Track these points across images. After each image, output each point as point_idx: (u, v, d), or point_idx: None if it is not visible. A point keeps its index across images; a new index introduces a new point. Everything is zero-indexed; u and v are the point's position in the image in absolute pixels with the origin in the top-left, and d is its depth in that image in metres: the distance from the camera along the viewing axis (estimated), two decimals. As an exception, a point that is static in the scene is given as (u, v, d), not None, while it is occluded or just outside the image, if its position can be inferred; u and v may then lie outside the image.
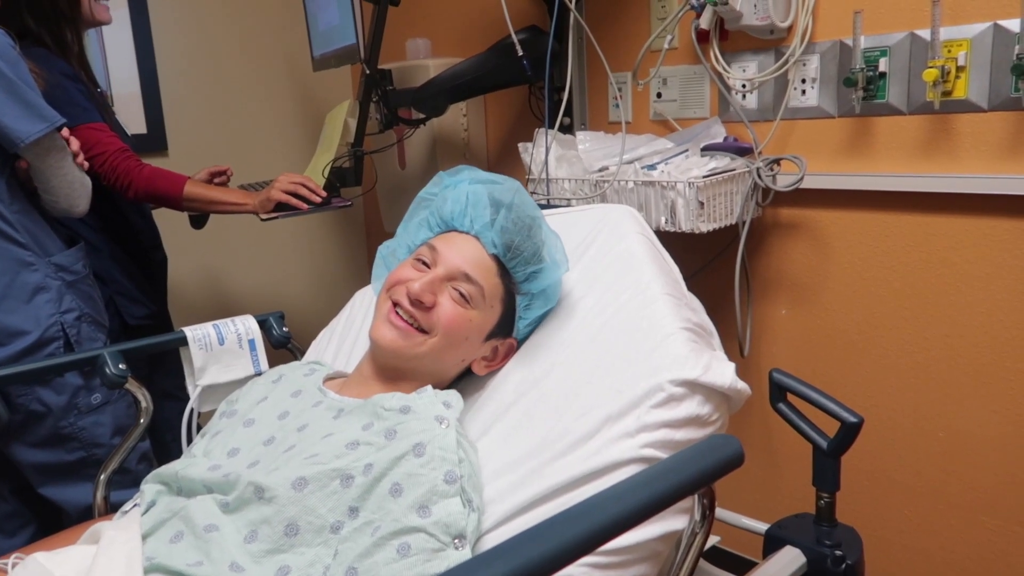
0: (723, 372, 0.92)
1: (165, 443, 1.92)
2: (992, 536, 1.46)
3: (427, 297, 0.99)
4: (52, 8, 1.61)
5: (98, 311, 1.53)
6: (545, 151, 1.64)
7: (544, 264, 1.06)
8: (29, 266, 1.40)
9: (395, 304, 1.00)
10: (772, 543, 1.17)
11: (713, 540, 1.44)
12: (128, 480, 1.47)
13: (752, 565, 1.09)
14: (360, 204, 2.74)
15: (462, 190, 1.07)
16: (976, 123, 1.35)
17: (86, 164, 1.48)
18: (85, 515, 1.47)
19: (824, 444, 1.12)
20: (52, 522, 1.53)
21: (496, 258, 1.05)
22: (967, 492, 1.48)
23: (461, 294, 1.01)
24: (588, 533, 0.61)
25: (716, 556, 1.68)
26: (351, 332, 1.30)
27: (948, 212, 1.42)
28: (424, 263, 1.03)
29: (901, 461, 1.56)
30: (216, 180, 1.90)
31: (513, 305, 1.06)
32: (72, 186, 1.43)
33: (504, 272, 1.05)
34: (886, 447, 1.57)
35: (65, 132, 1.42)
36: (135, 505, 1.00)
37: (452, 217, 1.07)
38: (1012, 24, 1.27)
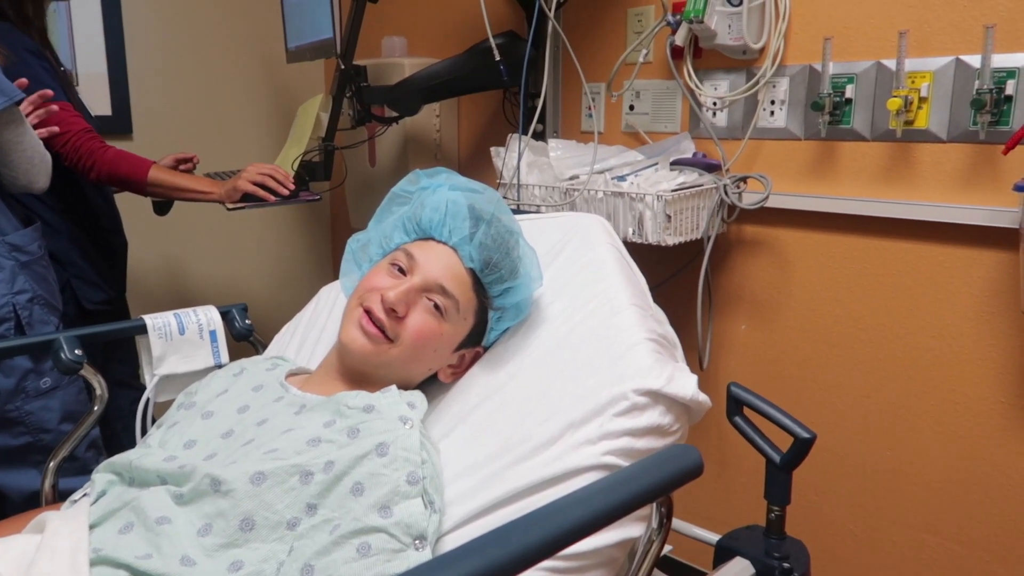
0: (685, 384, 0.94)
1: (115, 432, 1.88)
2: (934, 554, 1.51)
3: (401, 307, 0.98)
4: None
5: (52, 294, 1.49)
6: (518, 157, 1.65)
7: (519, 280, 1.06)
8: None
9: (367, 311, 1.00)
10: (722, 554, 1.19)
11: (665, 549, 1.46)
12: (75, 467, 1.44)
13: (702, 575, 1.11)
14: (327, 199, 2.72)
15: (441, 196, 1.06)
16: (935, 153, 1.40)
17: (48, 131, 1.45)
18: (30, 502, 1.43)
19: (777, 458, 1.14)
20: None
21: (472, 272, 1.04)
22: (912, 510, 1.52)
23: (436, 306, 1.00)
24: (552, 536, 0.62)
25: (667, 565, 1.71)
26: (315, 328, 1.28)
27: (905, 238, 1.46)
28: (400, 269, 1.03)
29: (850, 477, 1.60)
30: (181, 167, 1.87)
31: (485, 317, 1.06)
32: (32, 161, 1.40)
33: (479, 286, 1.05)
34: (836, 463, 1.61)
35: (25, 107, 1.39)
36: (84, 495, 0.98)
37: (430, 225, 1.06)
38: (973, 60, 1.32)
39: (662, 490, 0.73)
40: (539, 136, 1.89)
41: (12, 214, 1.45)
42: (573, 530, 0.64)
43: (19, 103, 1.35)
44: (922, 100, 1.38)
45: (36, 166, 1.41)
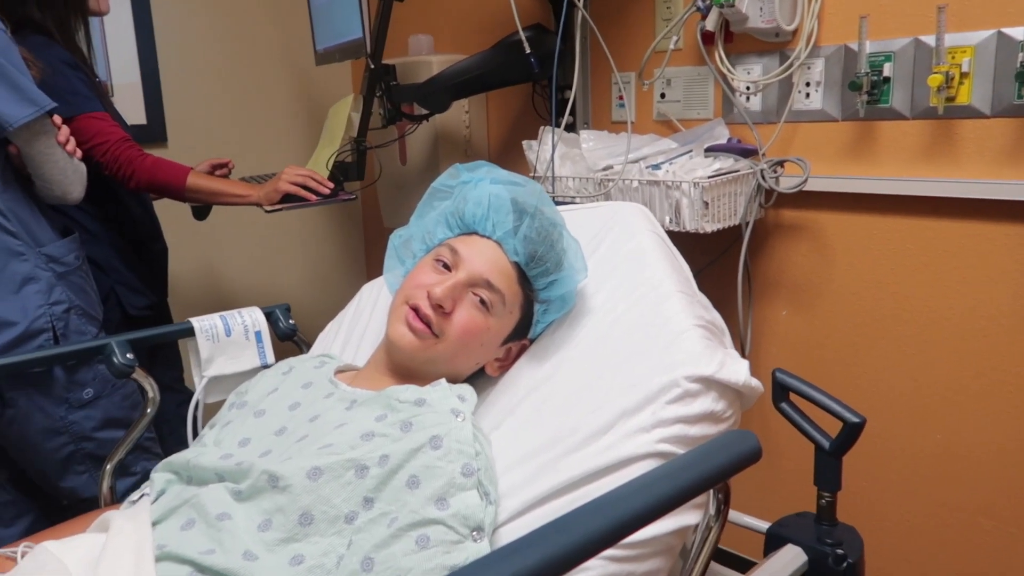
0: (737, 369, 0.93)
1: (162, 436, 1.91)
2: (988, 537, 1.48)
3: (448, 303, 0.99)
4: None
5: (90, 304, 1.50)
6: (551, 149, 1.65)
7: (564, 272, 1.06)
8: (19, 256, 1.37)
9: (414, 308, 1.00)
10: (773, 541, 1.18)
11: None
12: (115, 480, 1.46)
13: (751, 565, 1.10)
14: (359, 199, 2.74)
15: (483, 190, 1.07)
16: (979, 129, 1.37)
17: (78, 152, 1.46)
18: (82, 505, 1.46)
19: (826, 444, 1.13)
20: (51, 511, 1.52)
21: (516, 265, 1.04)
22: (965, 493, 1.50)
23: (482, 301, 1.01)
24: (614, 524, 0.62)
25: (716, 555, 1.69)
26: (358, 326, 1.29)
27: (950, 216, 1.44)
28: (445, 265, 1.03)
29: (900, 462, 1.57)
30: (217, 172, 1.90)
31: (531, 311, 1.07)
32: (64, 172, 1.41)
33: (524, 279, 1.05)
34: (885, 448, 1.58)
35: (57, 119, 1.40)
36: (143, 495, 1.00)
37: (474, 220, 1.06)
38: (1016, 32, 1.29)
39: (721, 476, 0.73)
40: (570, 128, 1.89)
41: (50, 224, 1.46)
42: (635, 518, 0.64)
43: (51, 113, 1.36)
44: (963, 75, 1.35)
45: (69, 177, 1.42)
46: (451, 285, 0.99)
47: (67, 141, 1.41)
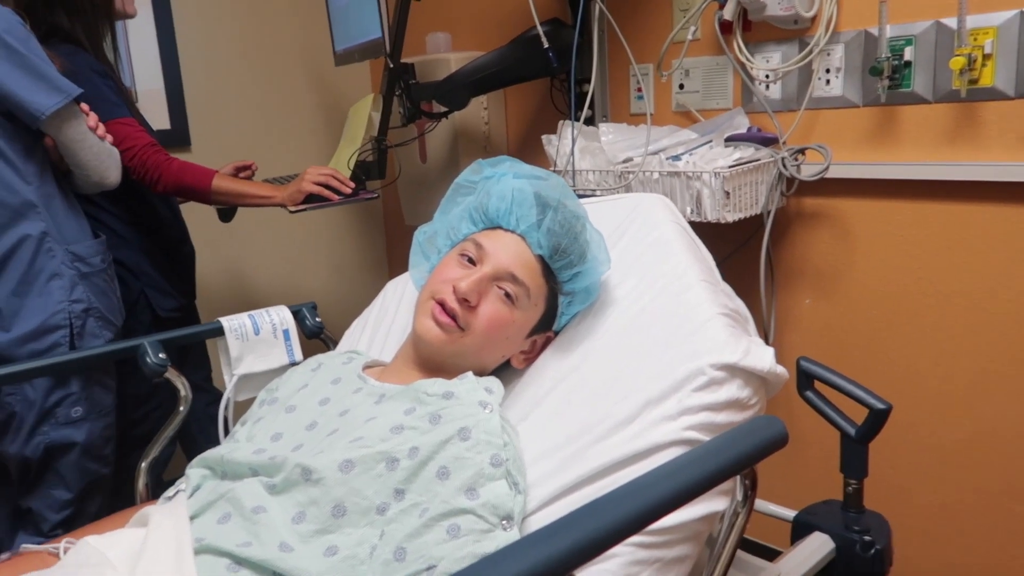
0: (762, 356, 0.94)
1: (192, 434, 1.94)
2: (1019, 523, 1.47)
3: (473, 297, 1.00)
4: (88, 2, 1.63)
5: (110, 309, 1.50)
6: (571, 143, 1.65)
7: (588, 264, 1.07)
8: (48, 251, 1.39)
9: (440, 302, 1.01)
10: (800, 529, 1.18)
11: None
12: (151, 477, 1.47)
13: (777, 553, 1.10)
14: (380, 197, 2.76)
15: (506, 185, 1.08)
16: (1003, 111, 1.36)
17: (109, 137, 1.47)
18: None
19: (852, 431, 1.13)
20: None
21: (540, 258, 1.05)
22: (994, 478, 1.49)
23: (507, 294, 1.02)
24: (643, 509, 0.63)
25: (742, 544, 1.69)
26: (384, 322, 1.31)
27: (974, 200, 1.42)
28: (470, 260, 1.05)
29: (927, 448, 1.56)
30: (241, 175, 1.93)
31: (555, 303, 1.08)
32: (99, 157, 1.42)
33: (548, 271, 1.06)
34: (911, 435, 1.58)
35: (84, 106, 1.42)
36: (178, 491, 1.02)
37: (498, 214, 1.07)
38: (1039, 12, 1.28)
39: (748, 461, 0.74)
40: (589, 121, 1.89)
41: (81, 225, 1.47)
42: (664, 503, 0.65)
43: (78, 100, 1.37)
44: (986, 57, 1.34)
45: (104, 161, 1.43)
46: (476, 279, 1.01)
47: (97, 126, 1.43)
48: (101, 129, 1.44)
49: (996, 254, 1.42)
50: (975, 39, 1.35)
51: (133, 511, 1.01)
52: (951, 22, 1.37)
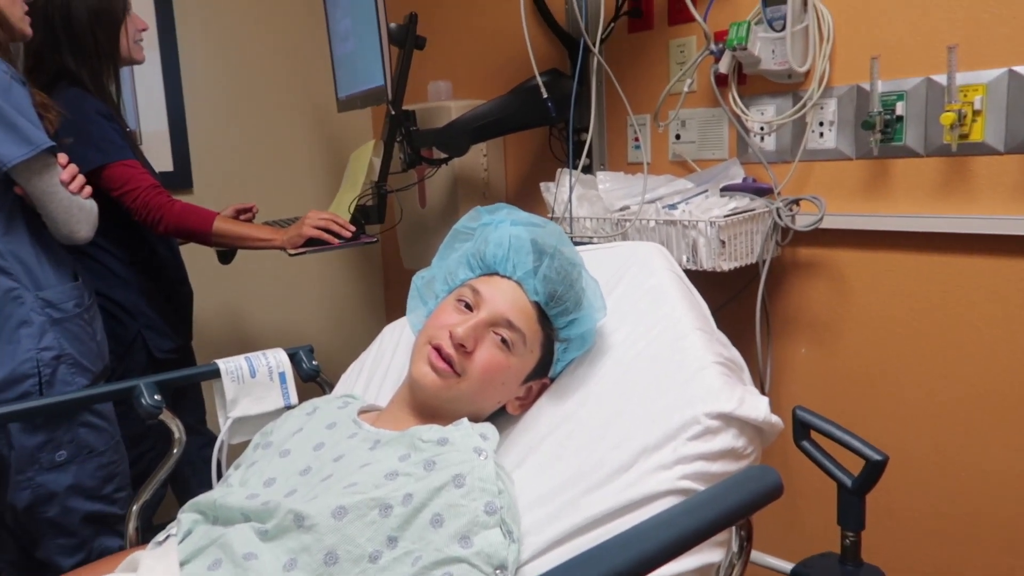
0: (757, 405, 0.94)
1: (185, 478, 1.93)
2: (1018, 577, 1.45)
3: (469, 342, 1.01)
4: (95, 47, 1.66)
5: (85, 354, 1.46)
6: (569, 190, 1.68)
7: (584, 311, 1.08)
8: (16, 299, 1.38)
9: (436, 348, 1.02)
10: (798, 582, 1.17)
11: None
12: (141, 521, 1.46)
13: (776, 605, 1.09)
14: (379, 241, 2.78)
15: (504, 232, 1.09)
16: (993, 165, 1.38)
17: (87, 191, 1.45)
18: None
19: (849, 482, 1.12)
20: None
21: (537, 305, 1.06)
22: (990, 531, 1.47)
23: (503, 340, 1.03)
24: (637, 559, 0.62)
25: (738, 596, 1.67)
26: (380, 366, 1.31)
27: (966, 252, 1.44)
28: (467, 305, 1.05)
29: (924, 500, 1.55)
30: (242, 217, 1.94)
31: (551, 349, 1.08)
32: (69, 211, 1.40)
33: (544, 318, 1.07)
34: (908, 486, 1.57)
35: (62, 158, 1.40)
36: (168, 535, 1.01)
37: (495, 261, 1.09)
38: (1027, 70, 1.31)
39: (744, 512, 0.73)
40: (586, 169, 1.92)
41: (58, 268, 1.44)
42: (658, 554, 0.65)
43: (52, 151, 1.36)
44: (976, 113, 1.37)
45: (75, 215, 1.40)
46: (473, 325, 1.01)
47: (71, 180, 1.41)
48: (77, 183, 1.42)
49: (989, 305, 1.43)
50: (965, 95, 1.38)
51: (123, 556, 1.00)
52: (941, 79, 1.40)
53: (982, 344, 1.44)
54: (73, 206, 1.41)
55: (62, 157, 1.41)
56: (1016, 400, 1.42)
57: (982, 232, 1.39)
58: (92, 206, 1.46)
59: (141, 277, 1.79)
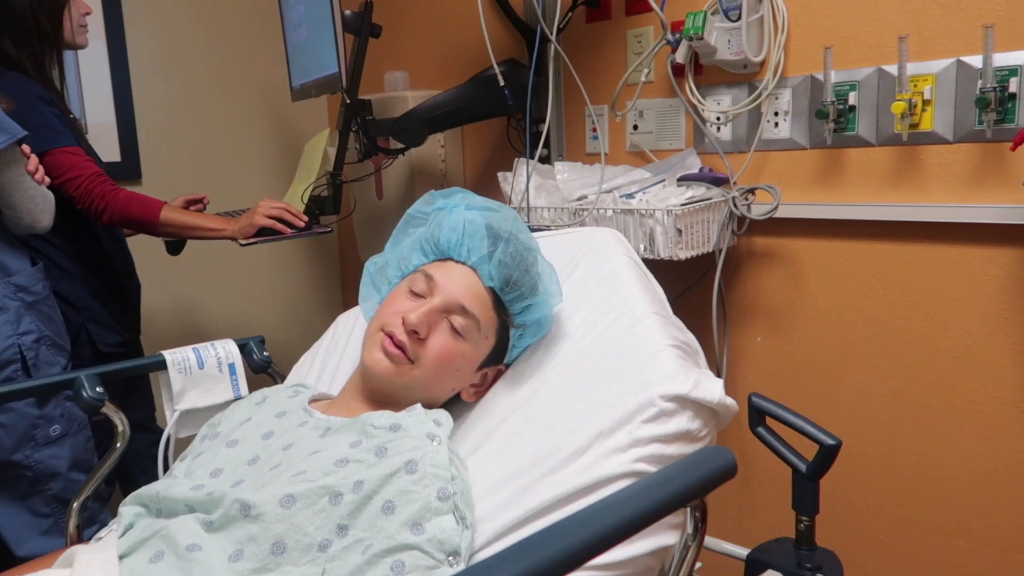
0: (712, 388, 0.94)
1: (133, 477, 1.87)
2: (964, 559, 1.48)
3: (423, 329, 0.99)
4: (36, 31, 1.60)
5: (59, 334, 1.49)
6: (526, 180, 1.66)
7: (539, 297, 1.06)
8: None
9: (389, 335, 1.00)
10: (753, 567, 1.17)
11: (696, 567, 1.45)
12: (83, 518, 1.42)
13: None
14: (335, 232, 2.74)
15: (458, 216, 1.07)
16: (943, 154, 1.40)
17: (47, 180, 1.45)
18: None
19: (803, 467, 1.13)
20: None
21: (492, 290, 1.04)
22: (941, 515, 1.50)
23: (457, 326, 1.01)
24: (591, 539, 0.61)
25: (696, 584, 1.68)
26: (333, 356, 1.29)
27: (917, 240, 1.46)
28: (420, 292, 1.03)
29: (876, 485, 1.58)
30: (193, 208, 1.90)
31: (507, 336, 1.07)
32: (35, 200, 1.41)
33: (499, 304, 1.05)
34: (861, 471, 1.59)
35: (26, 148, 1.40)
36: (111, 530, 0.97)
37: (448, 246, 1.06)
38: (974, 60, 1.33)
39: (698, 491, 0.73)
40: (544, 160, 1.91)
41: (19, 254, 1.45)
42: (612, 533, 0.64)
43: (22, 141, 1.35)
44: (926, 103, 1.39)
45: (39, 205, 1.41)
46: (426, 311, 0.99)
47: (36, 170, 1.41)
48: (40, 173, 1.43)
49: (939, 292, 1.45)
50: (915, 85, 1.40)
51: (61, 552, 0.96)
52: (892, 69, 1.42)
53: (933, 331, 1.47)
54: (38, 196, 1.42)
55: (25, 147, 1.40)
56: (965, 386, 1.45)
57: (934, 220, 1.42)
58: (52, 196, 1.46)
59: (85, 269, 1.73)
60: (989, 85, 1.29)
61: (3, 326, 1.37)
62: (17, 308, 1.39)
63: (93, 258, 1.76)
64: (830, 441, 1.08)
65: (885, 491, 1.57)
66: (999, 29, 1.30)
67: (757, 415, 1.17)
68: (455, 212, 1.09)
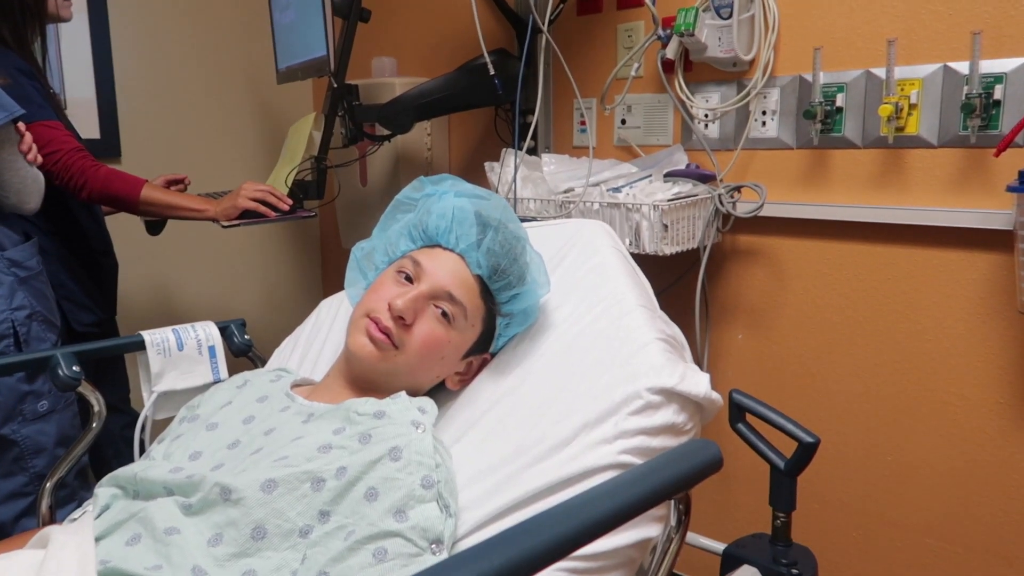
0: (699, 381, 0.94)
1: (106, 458, 1.84)
2: (937, 559, 1.50)
3: (409, 315, 0.98)
4: (19, 2, 1.57)
5: (50, 310, 1.48)
6: (514, 171, 1.66)
7: (527, 286, 1.06)
8: None
9: (374, 320, 0.99)
10: (730, 562, 1.18)
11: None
12: (64, 496, 1.41)
13: (707, 587, 1.10)
14: (318, 217, 2.72)
15: (447, 203, 1.06)
16: (927, 158, 1.42)
17: (39, 159, 1.44)
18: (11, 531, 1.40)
19: (781, 464, 1.14)
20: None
21: (479, 278, 1.04)
22: (914, 514, 1.52)
23: (443, 313, 1.00)
24: (576, 530, 0.61)
25: (671, 577, 1.69)
26: (316, 341, 1.27)
27: (900, 243, 1.48)
28: (407, 277, 1.02)
29: (851, 484, 1.60)
30: (173, 188, 1.86)
31: (493, 324, 1.06)
32: (24, 182, 1.39)
33: (486, 292, 1.04)
34: (838, 469, 1.61)
35: (21, 127, 1.38)
36: (85, 512, 0.96)
37: (437, 232, 1.05)
38: (961, 66, 1.35)
39: (683, 484, 0.73)
40: (532, 151, 1.90)
41: (11, 230, 1.44)
42: (597, 524, 0.63)
43: (18, 120, 1.34)
44: (912, 107, 1.41)
45: (28, 187, 1.40)
46: (412, 297, 0.98)
47: (29, 149, 1.40)
48: (33, 153, 1.42)
49: (919, 295, 1.47)
50: (902, 89, 1.41)
51: (34, 532, 0.94)
52: (880, 72, 1.43)
53: (912, 332, 1.49)
54: (28, 177, 1.40)
55: (20, 125, 1.38)
56: (941, 387, 1.47)
57: (916, 223, 1.43)
58: (42, 178, 1.44)
59: (60, 246, 1.69)
60: (975, 91, 1.31)
61: None
62: (11, 283, 1.38)
63: (69, 236, 1.72)
64: (809, 439, 1.09)
65: (860, 489, 1.59)
66: (986, 36, 1.32)
67: (737, 411, 1.18)
68: (444, 199, 1.08)
